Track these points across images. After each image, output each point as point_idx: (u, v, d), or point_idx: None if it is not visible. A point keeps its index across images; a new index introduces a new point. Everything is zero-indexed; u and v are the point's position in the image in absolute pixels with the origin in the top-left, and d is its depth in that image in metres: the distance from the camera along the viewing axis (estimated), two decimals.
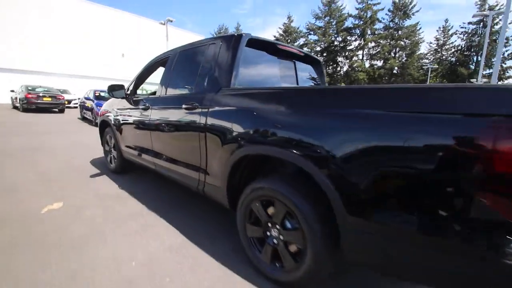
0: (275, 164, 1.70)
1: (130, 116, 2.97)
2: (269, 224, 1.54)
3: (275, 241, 1.51)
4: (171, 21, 19.57)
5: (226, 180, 1.73)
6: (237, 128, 1.61)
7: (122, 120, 3.15)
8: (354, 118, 1.14)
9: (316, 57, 2.69)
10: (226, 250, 1.90)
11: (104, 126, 3.72)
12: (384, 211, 1.07)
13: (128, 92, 3.14)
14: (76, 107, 15.71)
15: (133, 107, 2.94)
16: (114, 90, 3.01)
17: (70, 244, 1.89)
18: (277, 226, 1.49)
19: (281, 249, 1.48)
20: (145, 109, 2.64)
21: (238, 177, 1.74)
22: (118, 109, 3.26)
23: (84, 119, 10.66)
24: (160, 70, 2.90)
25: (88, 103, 9.68)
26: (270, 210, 1.54)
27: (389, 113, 1.04)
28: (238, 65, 1.86)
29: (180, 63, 2.45)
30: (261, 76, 2.24)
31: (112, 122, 3.36)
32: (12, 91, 14.36)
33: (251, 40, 1.94)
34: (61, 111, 13.56)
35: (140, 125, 2.74)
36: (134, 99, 2.99)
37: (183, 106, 2.07)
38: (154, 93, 3.53)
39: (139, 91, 3.39)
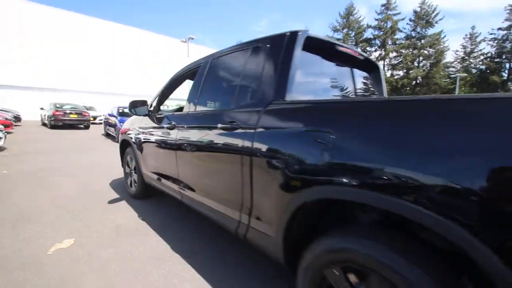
0: (365, 211, 1.18)
1: (153, 135, 2.59)
2: None
3: None
4: (192, 38, 20.02)
5: (283, 229, 1.23)
6: (304, 157, 1.13)
7: (144, 140, 2.78)
8: None
9: (375, 61, 2.19)
10: None
11: (125, 145, 3.39)
12: None
13: (151, 108, 2.79)
14: (101, 123, 16.11)
15: (156, 125, 2.57)
16: (136, 106, 2.67)
17: None
18: None
19: None
20: (170, 128, 2.24)
21: (301, 225, 1.24)
22: (140, 127, 2.90)
23: (107, 135, 10.72)
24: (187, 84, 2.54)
25: (112, 120, 9.71)
26: (354, 277, 1.02)
27: None
28: (294, 71, 1.40)
29: (213, 73, 2.05)
30: (313, 85, 1.77)
31: (133, 142, 3.01)
32: (42, 108, 14.98)
33: (309, 39, 1.49)
34: (87, 127, 13.89)
35: (164, 147, 2.34)
36: (157, 116, 2.62)
37: (219, 125, 1.63)
38: (180, 109, 3.18)
39: (163, 107, 3.04)
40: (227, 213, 1.63)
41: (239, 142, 1.47)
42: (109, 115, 10.27)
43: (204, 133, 1.82)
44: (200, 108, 2.06)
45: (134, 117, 3.21)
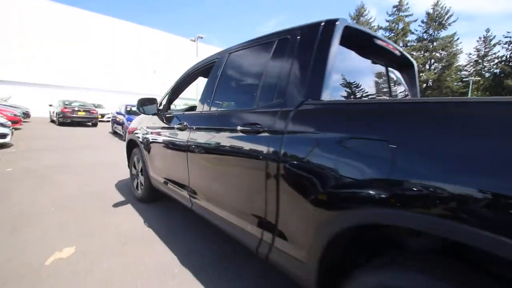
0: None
1: (162, 136, 2.40)
2: None
3: None
4: (201, 37, 19.94)
5: (318, 256, 1.02)
6: (350, 172, 0.91)
7: (152, 141, 2.59)
8: None
9: (411, 58, 1.96)
10: None
11: (131, 145, 3.22)
12: None
13: (161, 107, 2.60)
14: (109, 121, 16.12)
15: (166, 125, 2.38)
16: (144, 104, 2.49)
17: None
18: None
19: None
20: (182, 129, 2.05)
21: (340, 250, 1.03)
22: (148, 127, 2.72)
23: (115, 133, 10.66)
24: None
25: (119, 118, 9.63)
26: None
27: None
28: (331, 66, 1.19)
29: (230, 70, 1.84)
30: (348, 83, 1.55)
31: (141, 142, 2.83)
32: (50, 105, 15.05)
33: (347, 30, 1.27)
34: (94, 125, 13.89)
35: (174, 149, 2.15)
36: (167, 116, 2.44)
37: (238, 128, 1.43)
38: (192, 108, 2.98)
39: (172, 106, 2.86)
40: (246, 228, 1.43)
41: (263, 148, 1.26)
42: (117, 113, 10.20)
43: (219, 136, 1.62)
44: (215, 108, 1.86)
45: (142, 115, 3.03)
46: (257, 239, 1.35)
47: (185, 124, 2.01)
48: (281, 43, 1.44)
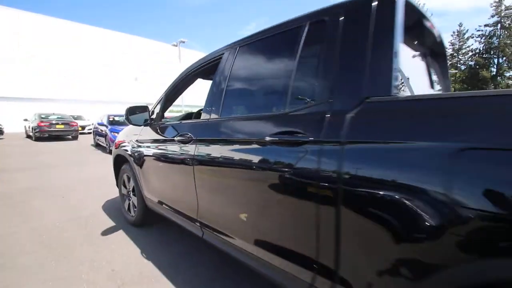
0: None
1: (158, 150, 2.02)
2: None
3: None
4: (183, 42, 19.45)
5: None
6: (476, 198, 0.61)
7: (146, 156, 2.21)
8: None
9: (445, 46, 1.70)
10: None
11: (120, 161, 2.80)
12: None
13: (153, 116, 2.23)
14: (90, 133, 15.27)
15: (162, 137, 2.01)
16: (134, 113, 2.11)
17: None
18: None
19: None
20: (185, 142, 1.68)
21: None
22: (139, 140, 2.33)
23: (97, 145, 10.00)
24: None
25: (102, 129, 9.01)
26: None
27: None
28: (397, 49, 0.89)
29: (244, 66, 1.50)
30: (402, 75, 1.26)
31: (131, 157, 2.43)
32: (26, 120, 14.07)
33: (406, 4, 0.98)
34: (75, 138, 13.09)
35: (176, 166, 1.78)
36: (162, 126, 2.07)
37: (268, 138, 1.10)
38: (189, 116, 2.62)
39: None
40: (287, 269, 1.09)
41: (309, 165, 0.94)
42: (99, 124, 9.56)
43: (238, 149, 1.28)
44: (226, 115, 1.52)
45: (130, 126, 2.63)
46: (306, 285, 1.02)
47: (189, 135, 1.65)
48: (315, 27, 1.13)
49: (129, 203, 2.72)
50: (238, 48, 1.53)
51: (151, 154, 2.13)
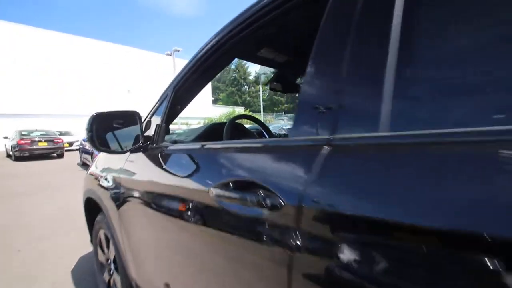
0: None
1: (178, 204, 0.92)
2: None
3: None
4: (178, 50, 18.61)
5: None
6: None
7: (141, 210, 1.11)
8: None
9: None
10: None
11: (92, 209, 1.70)
12: None
13: (150, 130, 1.15)
14: (78, 150, 14.04)
15: (177, 185, 0.92)
16: (109, 126, 1.04)
17: None
18: None
19: None
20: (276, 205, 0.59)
21: None
22: (122, 183, 1.24)
23: (83, 165, 8.81)
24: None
25: (88, 146, 7.88)
26: None
27: None
28: None
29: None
30: None
31: (111, 206, 1.33)
32: (6, 137, 12.79)
33: None
34: (60, 156, 11.87)
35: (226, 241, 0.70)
36: (176, 153, 0.99)
37: None
38: (214, 129, 1.53)
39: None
40: None
41: None
42: (84, 140, 8.41)
43: None
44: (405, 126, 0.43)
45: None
46: None
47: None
48: None
49: (109, 280, 1.60)
50: None
51: (155, 207, 1.02)
